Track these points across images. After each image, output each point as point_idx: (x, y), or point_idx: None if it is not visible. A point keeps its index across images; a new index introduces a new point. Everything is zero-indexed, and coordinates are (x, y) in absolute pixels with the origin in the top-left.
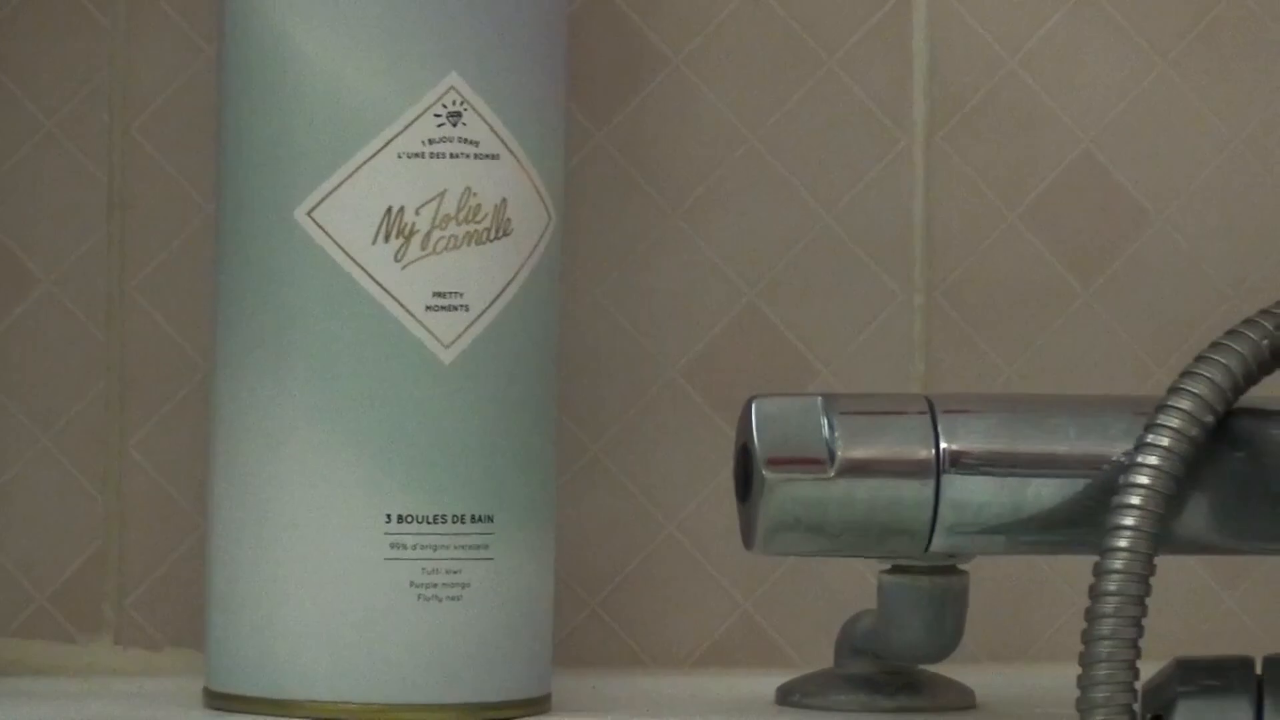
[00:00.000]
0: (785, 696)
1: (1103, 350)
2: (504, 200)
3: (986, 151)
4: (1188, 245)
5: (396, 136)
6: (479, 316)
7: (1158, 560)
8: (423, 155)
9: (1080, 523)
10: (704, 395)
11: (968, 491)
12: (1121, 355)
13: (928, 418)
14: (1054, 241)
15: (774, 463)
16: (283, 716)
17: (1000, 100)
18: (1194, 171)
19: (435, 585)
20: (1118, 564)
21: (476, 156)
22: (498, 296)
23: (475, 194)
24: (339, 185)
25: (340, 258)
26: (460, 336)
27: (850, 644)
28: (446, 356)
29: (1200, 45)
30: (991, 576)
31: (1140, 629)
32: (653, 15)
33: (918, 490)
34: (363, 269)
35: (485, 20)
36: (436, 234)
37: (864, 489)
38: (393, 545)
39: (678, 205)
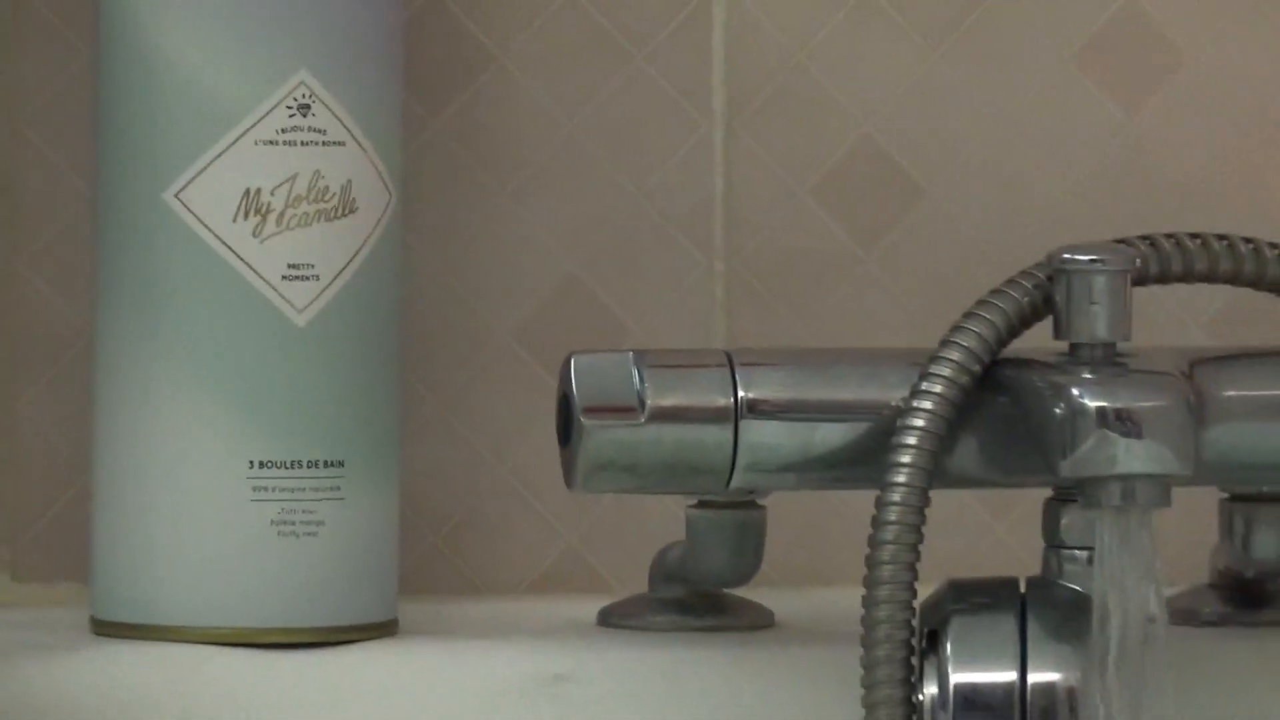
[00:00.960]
0: (605, 618)
1: (883, 310)
2: (349, 182)
3: (778, 136)
4: (957, 217)
5: (253, 126)
6: (329, 285)
7: (933, 493)
8: (277, 143)
9: (863, 461)
10: (530, 353)
11: (763, 435)
12: (900, 314)
13: (727, 370)
14: (839, 215)
15: (590, 411)
16: (160, 640)
17: (790, 91)
18: (962, 152)
19: (293, 523)
20: (896, 497)
21: (324, 144)
22: (345, 267)
23: (324, 177)
24: (203, 170)
25: (205, 234)
26: (312, 303)
27: (663, 571)
28: (300, 321)
29: (967, 39)
30: (789, 510)
31: (917, 554)
32: (481, 18)
33: (718, 434)
34: (225, 244)
35: (331, 22)
36: (290, 212)
37: (671, 433)
38: (255, 488)
39: (505, 185)
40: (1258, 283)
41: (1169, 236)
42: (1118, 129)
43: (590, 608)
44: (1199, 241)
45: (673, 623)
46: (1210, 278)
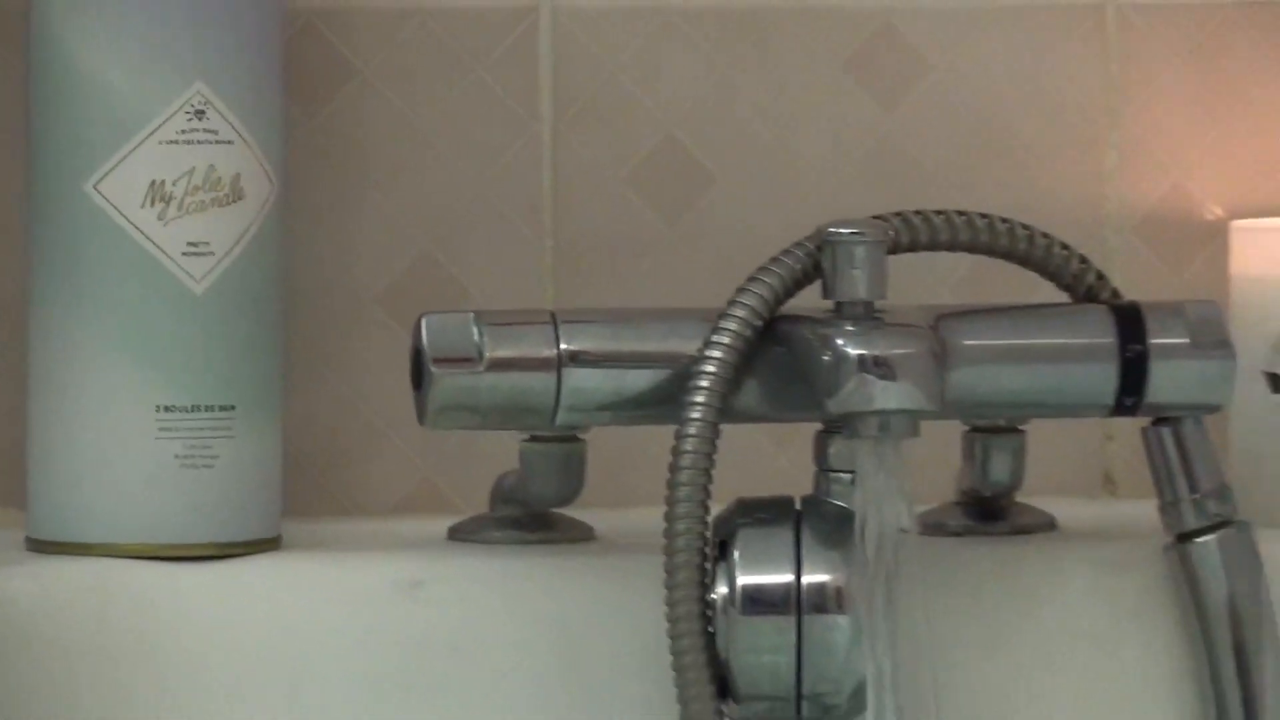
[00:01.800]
0: (453, 534)
1: (683, 276)
2: (238, 174)
3: (596, 134)
4: (743, 199)
5: (158, 128)
6: (221, 260)
7: (723, 427)
8: (177, 142)
9: (666, 401)
10: (390, 316)
11: (581, 381)
12: (696, 280)
13: (551, 327)
14: (647, 199)
15: (438, 361)
16: (83, 555)
17: (605, 96)
18: (748, 145)
19: (194, 456)
20: (692, 430)
21: (217, 142)
22: (235, 245)
23: (217, 170)
24: (116, 165)
25: (118, 219)
26: (208, 274)
27: (500, 495)
28: (198, 290)
29: (752, 51)
30: (606, 442)
31: (710, 478)
32: (347, 37)
33: (544, 380)
34: (135, 226)
35: (223, 41)
36: (189, 199)
37: (505, 380)
38: (161, 428)
39: (368, 177)
40: (992, 251)
41: (918, 213)
42: (877, 124)
43: (441, 526)
44: (943, 217)
45: (509, 537)
46: (953, 247)
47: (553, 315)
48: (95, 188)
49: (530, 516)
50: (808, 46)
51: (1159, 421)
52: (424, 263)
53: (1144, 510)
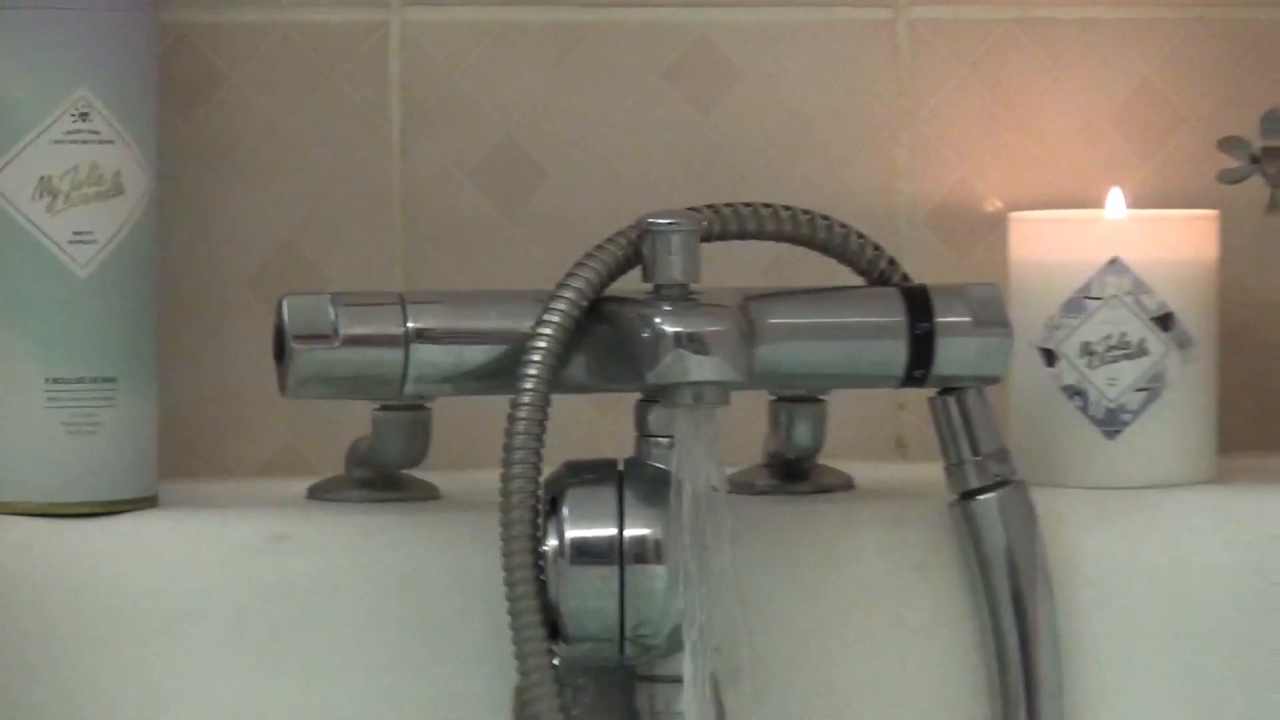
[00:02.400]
0: (313, 493)
1: (519, 262)
2: (119, 170)
3: (441, 134)
4: (573, 192)
5: (46, 129)
6: (104, 247)
7: (554, 397)
8: (64, 141)
9: (503, 374)
10: (257, 297)
11: (427, 356)
12: (531, 265)
13: (399, 307)
14: (487, 193)
15: (297, 338)
16: None
17: (450, 100)
18: (578, 144)
19: (79, 423)
20: (525, 399)
21: (100, 142)
22: (116, 234)
23: (99, 166)
24: (9, 162)
25: (11, 211)
26: (92, 260)
27: (355, 458)
28: (83, 274)
29: (581, 60)
30: (449, 410)
31: (542, 443)
32: (218, 48)
33: (393, 355)
34: (26, 218)
35: (104, 52)
36: (74, 193)
37: (358, 355)
38: (49, 398)
39: (237, 172)
40: (795, 239)
41: (729, 206)
42: (694, 127)
43: (301, 486)
44: (751, 209)
45: (362, 496)
46: (760, 236)
47: (401, 297)
48: None
49: (381, 477)
50: (631, 57)
51: (945, 391)
52: (286, 250)
53: (932, 471)
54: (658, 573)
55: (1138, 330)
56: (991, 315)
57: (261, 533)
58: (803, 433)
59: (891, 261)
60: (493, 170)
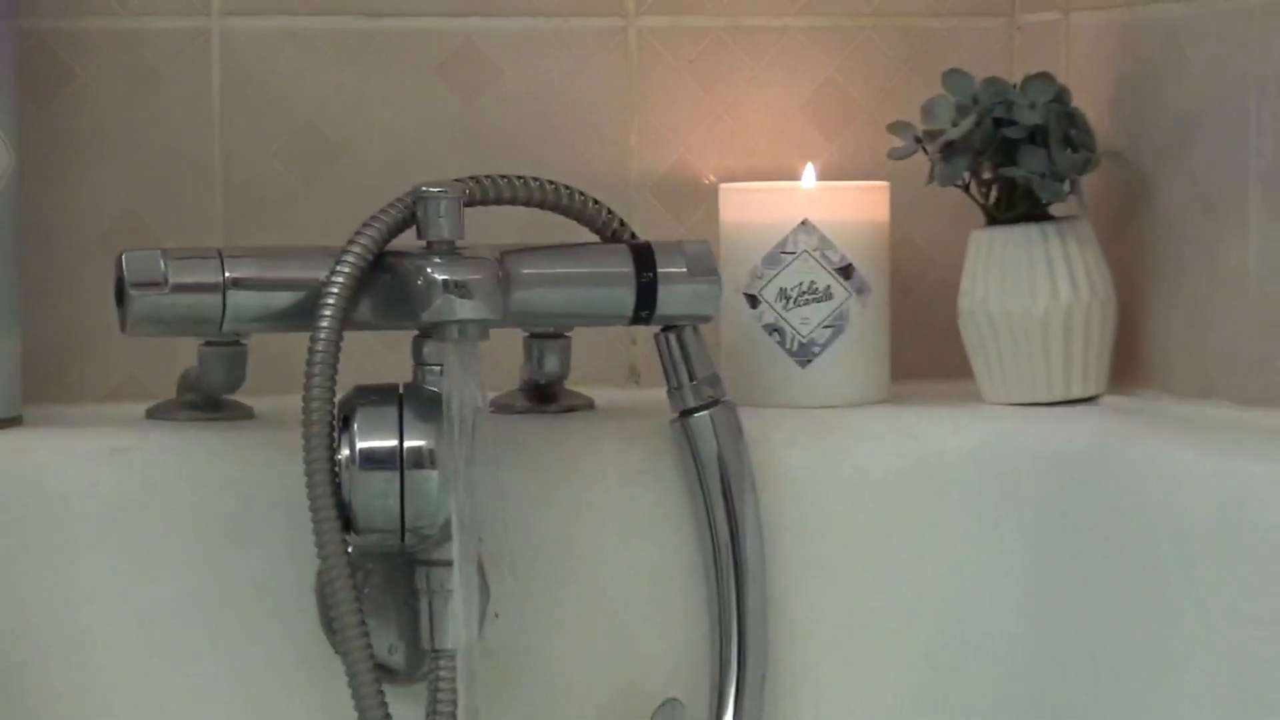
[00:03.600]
0: (150, 414)
1: (320, 223)
2: None
3: (254, 121)
4: (363, 167)
5: None
6: None
7: (347, 335)
8: None
9: (304, 315)
10: (103, 253)
11: (241, 300)
12: (330, 226)
13: (218, 260)
14: (293, 169)
15: (134, 285)
16: None
17: (260, 95)
18: (367, 128)
19: None
20: (322, 335)
21: None
22: None
23: None
24: None
25: None
26: None
27: (185, 385)
28: None
29: (373, 58)
30: (265, 345)
31: (335, 371)
32: (69, 51)
33: (213, 300)
34: None
35: None
36: None
37: (184, 300)
38: None
39: (85, 152)
40: (543, 205)
41: (489, 177)
42: (461, 115)
43: (141, 408)
44: (506, 180)
45: (191, 416)
46: (514, 202)
47: (219, 251)
48: None
49: (206, 400)
50: (410, 57)
51: (666, 329)
52: (127, 215)
53: (658, 394)
54: (432, 476)
55: (824, 279)
56: (704, 266)
57: (106, 446)
58: (551, 363)
59: (622, 223)
60: (296, 149)
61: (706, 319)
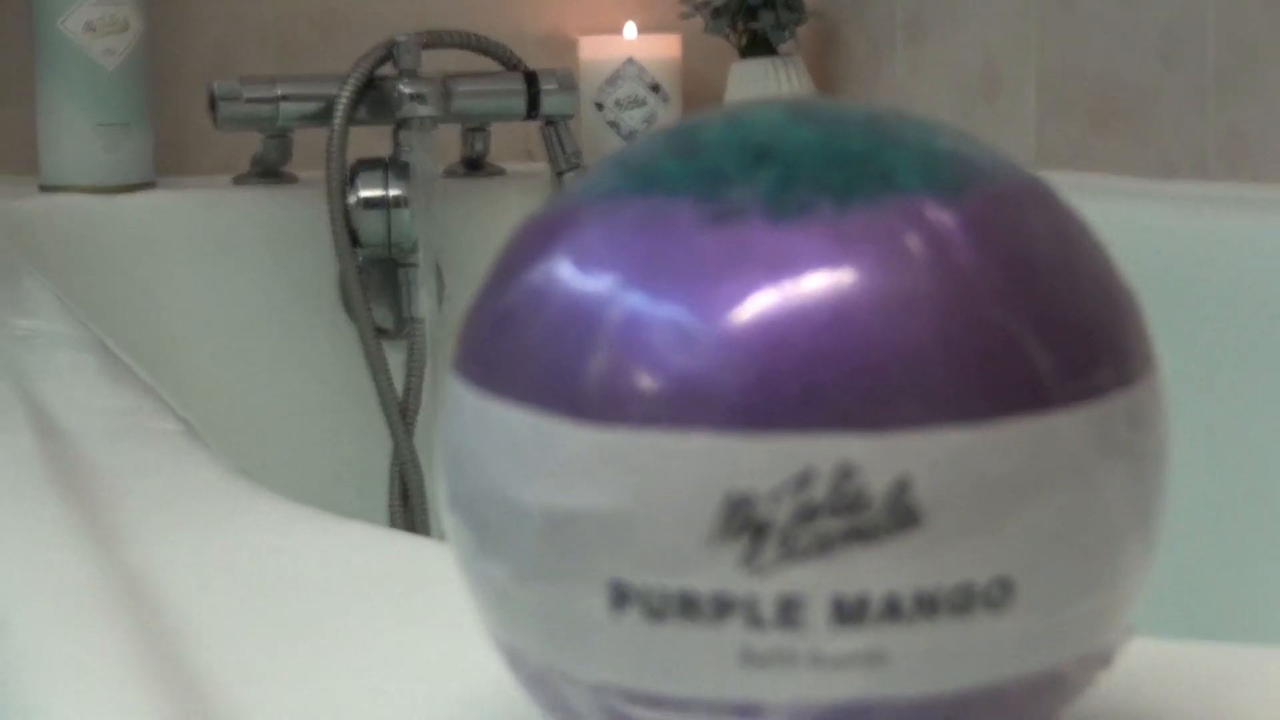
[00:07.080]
0: (235, 180)
1: (335, 64)
2: None
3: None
4: (364, 26)
5: None
6: None
7: (353, 128)
8: None
9: (326, 117)
10: (206, 79)
11: (286, 108)
12: (342, 62)
13: (272, 83)
14: (322, 31)
15: (221, 99)
16: None
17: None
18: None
19: (110, 142)
20: (336, 128)
21: None
22: None
23: None
24: None
25: None
26: None
27: (255, 162)
28: None
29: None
30: (310, 136)
31: (345, 149)
32: None
33: (270, 108)
34: None
35: None
36: None
37: (251, 108)
38: (94, 134)
39: (190, 13)
40: (474, 48)
41: (439, 30)
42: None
43: (228, 177)
44: (449, 33)
45: (258, 181)
46: (453, 46)
47: (273, 77)
48: None
49: (267, 171)
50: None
51: (548, 122)
52: (218, 55)
53: (544, 165)
54: (405, 213)
55: (642, 93)
56: (568, 84)
57: (210, 198)
58: (478, 145)
59: (520, 60)
60: (324, 17)
61: (570, 117)
